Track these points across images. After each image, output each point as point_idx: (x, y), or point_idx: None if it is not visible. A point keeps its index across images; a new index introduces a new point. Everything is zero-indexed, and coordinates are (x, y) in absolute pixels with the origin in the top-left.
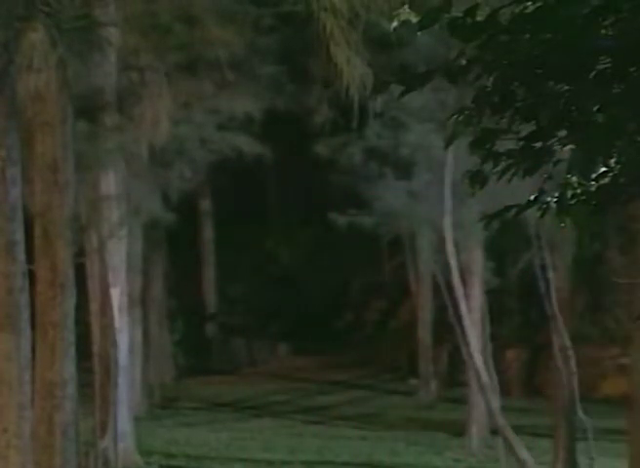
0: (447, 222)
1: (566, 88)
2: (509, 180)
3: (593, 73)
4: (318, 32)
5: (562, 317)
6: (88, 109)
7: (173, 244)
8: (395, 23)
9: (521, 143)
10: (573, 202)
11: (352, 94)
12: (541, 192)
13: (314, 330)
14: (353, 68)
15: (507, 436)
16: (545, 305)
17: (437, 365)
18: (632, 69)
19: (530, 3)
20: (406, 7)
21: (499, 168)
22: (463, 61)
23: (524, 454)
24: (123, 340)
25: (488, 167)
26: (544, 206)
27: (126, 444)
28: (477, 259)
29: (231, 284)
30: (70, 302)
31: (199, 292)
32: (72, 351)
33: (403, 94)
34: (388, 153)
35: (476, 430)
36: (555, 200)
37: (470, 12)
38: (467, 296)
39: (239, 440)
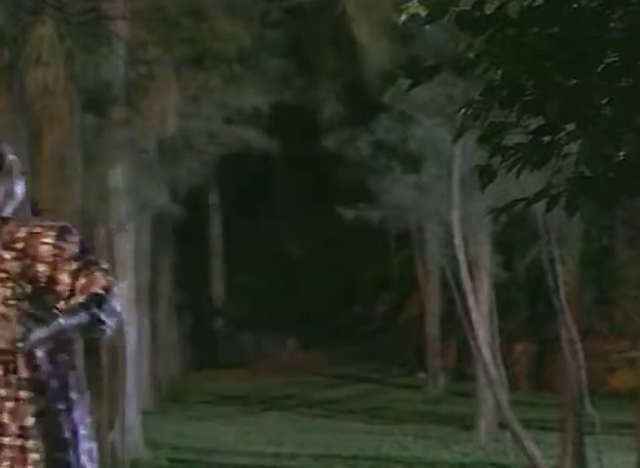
0: (455, 216)
1: (574, 81)
2: (518, 174)
3: (601, 66)
4: (332, 21)
5: (570, 311)
6: (96, 103)
7: (181, 237)
8: (404, 16)
9: (529, 137)
10: (581, 195)
11: (370, 76)
12: (550, 186)
13: (322, 323)
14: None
15: (515, 430)
16: (553, 299)
17: (445, 358)
18: None
19: None
20: (414, 0)
21: (507, 161)
22: (472, 55)
23: (532, 448)
24: (131, 334)
25: (496, 161)
26: (553, 199)
27: (134, 437)
28: (485, 253)
29: (239, 277)
30: None
31: (207, 286)
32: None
33: (411, 87)
34: (396, 147)
35: (484, 424)
36: (563, 194)
37: (478, 5)
38: (475, 290)
39: (247, 433)
